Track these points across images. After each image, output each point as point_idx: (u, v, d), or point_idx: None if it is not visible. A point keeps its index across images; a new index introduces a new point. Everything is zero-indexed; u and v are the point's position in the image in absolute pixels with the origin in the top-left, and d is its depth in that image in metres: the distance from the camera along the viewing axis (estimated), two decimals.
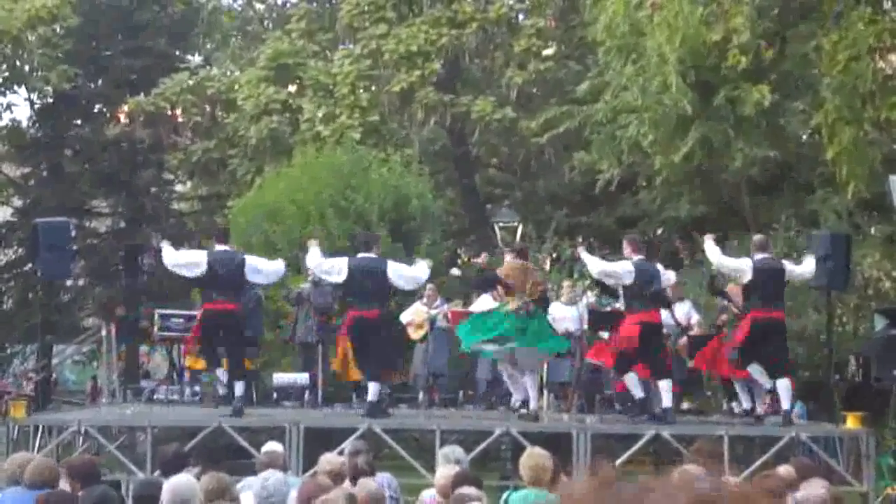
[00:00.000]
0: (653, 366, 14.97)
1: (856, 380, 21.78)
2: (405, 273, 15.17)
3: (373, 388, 15.08)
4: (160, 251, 16.10)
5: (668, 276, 15.46)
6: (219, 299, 14.95)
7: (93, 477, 8.27)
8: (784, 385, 14.94)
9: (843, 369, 21.57)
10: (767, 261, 14.98)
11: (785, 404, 15.05)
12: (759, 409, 16.06)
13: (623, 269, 14.82)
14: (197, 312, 16.65)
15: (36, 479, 8.07)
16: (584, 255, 15.37)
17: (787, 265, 15.24)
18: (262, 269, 15.33)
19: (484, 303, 16.46)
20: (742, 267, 14.98)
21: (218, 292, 14.99)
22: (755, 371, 15.07)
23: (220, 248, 15.18)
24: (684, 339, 17.19)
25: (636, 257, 14.88)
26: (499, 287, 15.14)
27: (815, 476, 8.53)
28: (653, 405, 15.32)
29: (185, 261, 15.27)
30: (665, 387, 14.91)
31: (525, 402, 15.31)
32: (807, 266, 15.38)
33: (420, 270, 15.28)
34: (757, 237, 15.80)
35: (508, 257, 15.92)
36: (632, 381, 15.03)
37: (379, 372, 15.31)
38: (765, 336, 14.74)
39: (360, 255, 15.11)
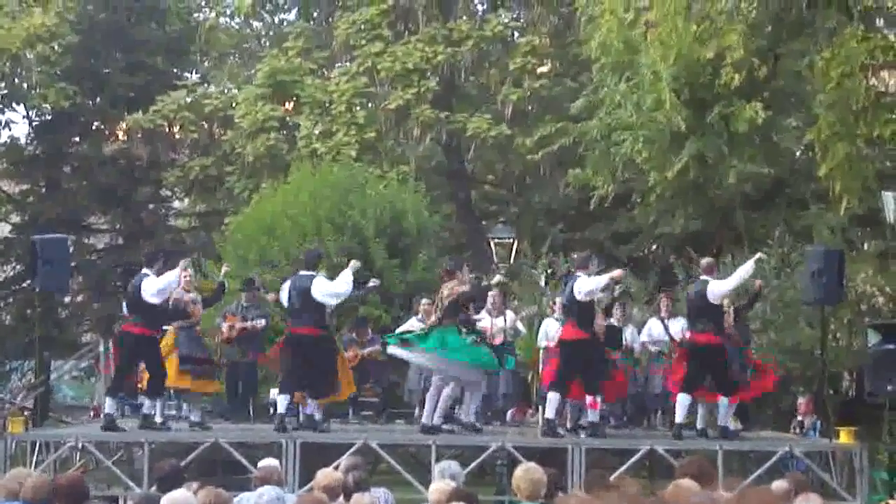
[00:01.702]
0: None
1: (849, 395, 21.85)
2: (325, 289, 15.16)
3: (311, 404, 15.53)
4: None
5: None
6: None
7: (81, 496, 8.25)
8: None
9: (836, 384, 21.63)
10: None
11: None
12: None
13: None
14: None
15: (34, 496, 8.12)
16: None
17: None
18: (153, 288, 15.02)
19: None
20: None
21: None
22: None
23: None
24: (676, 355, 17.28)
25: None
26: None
27: (808, 491, 8.60)
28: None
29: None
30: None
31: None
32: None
33: (338, 285, 15.20)
34: (705, 260, 16.03)
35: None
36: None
37: (322, 390, 15.61)
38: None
39: (300, 272, 15.49)
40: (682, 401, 15.44)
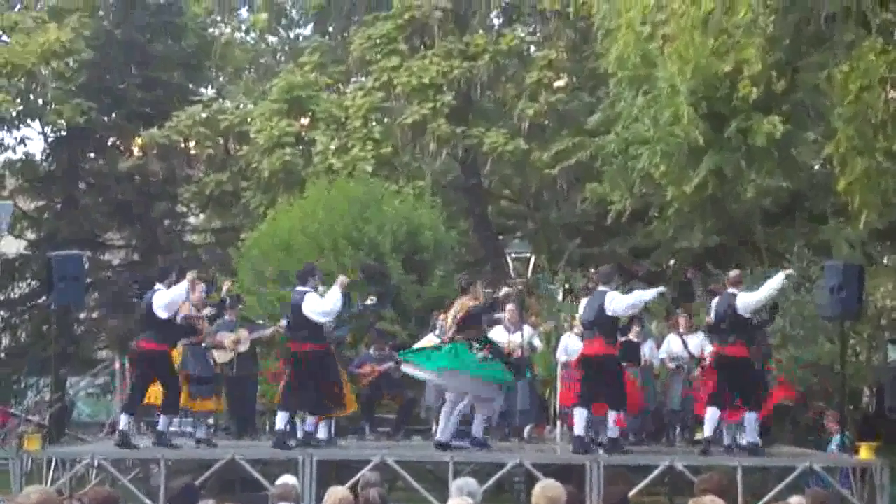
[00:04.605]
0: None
1: (870, 410, 21.71)
2: (315, 307, 15.02)
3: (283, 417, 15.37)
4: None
5: None
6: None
7: None
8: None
9: (856, 399, 21.50)
10: None
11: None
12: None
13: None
14: None
15: None
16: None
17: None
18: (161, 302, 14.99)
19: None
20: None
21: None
22: None
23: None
24: (699, 371, 17.21)
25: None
26: None
27: None
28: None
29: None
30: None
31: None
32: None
33: (326, 303, 15.04)
34: (733, 273, 15.93)
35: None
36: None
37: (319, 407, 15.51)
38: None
39: (297, 288, 15.35)
40: (711, 415, 15.31)
